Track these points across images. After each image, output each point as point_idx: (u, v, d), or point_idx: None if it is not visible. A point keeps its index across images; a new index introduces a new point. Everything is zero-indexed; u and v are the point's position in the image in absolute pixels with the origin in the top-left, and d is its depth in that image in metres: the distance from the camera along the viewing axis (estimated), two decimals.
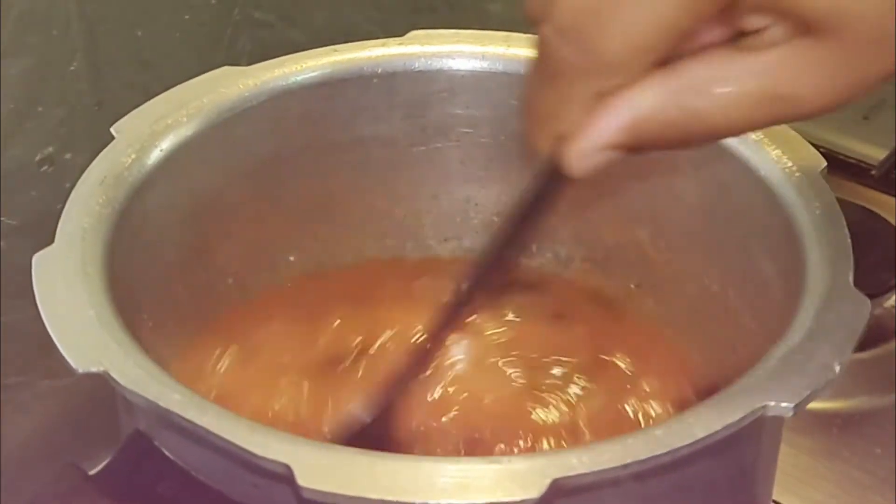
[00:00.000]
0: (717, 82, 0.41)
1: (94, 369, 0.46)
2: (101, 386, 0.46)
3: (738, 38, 0.41)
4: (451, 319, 0.55)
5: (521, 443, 0.60)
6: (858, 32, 0.39)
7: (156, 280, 0.59)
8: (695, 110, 0.41)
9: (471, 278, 0.53)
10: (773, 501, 0.58)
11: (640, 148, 0.43)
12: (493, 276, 0.53)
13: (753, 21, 0.40)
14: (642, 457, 0.42)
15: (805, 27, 0.40)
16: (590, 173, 0.44)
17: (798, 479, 0.73)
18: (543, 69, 0.42)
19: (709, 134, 0.42)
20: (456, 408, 0.61)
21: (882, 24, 0.39)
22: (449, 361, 0.64)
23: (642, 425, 0.60)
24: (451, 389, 0.62)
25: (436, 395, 0.62)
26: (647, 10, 0.39)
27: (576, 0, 0.40)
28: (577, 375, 0.64)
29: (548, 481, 0.41)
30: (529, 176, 0.48)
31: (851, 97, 0.41)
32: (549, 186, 0.48)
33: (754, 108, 0.41)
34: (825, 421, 0.76)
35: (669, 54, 0.41)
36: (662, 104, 0.41)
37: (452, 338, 0.61)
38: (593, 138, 0.43)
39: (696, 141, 0.43)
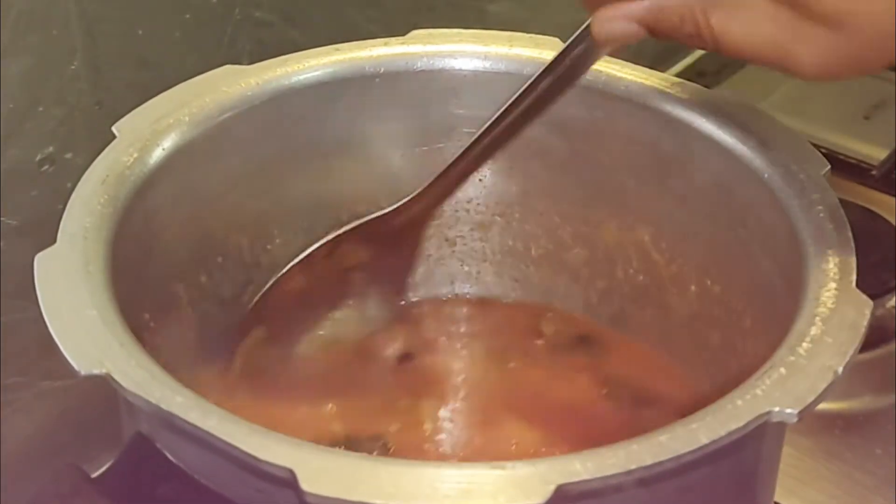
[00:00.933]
0: (738, 9, 0.46)
1: (96, 371, 0.45)
2: (102, 387, 0.46)
3: None
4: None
5: None
6: (860, 33, 0.44)
7: (158, 280, 0.59)
8: (713, 21, 0.47)
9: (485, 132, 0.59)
10: (774, 503, 0.57)
11: (656, 32, 0.49)
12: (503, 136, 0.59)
13: None
14: (647, 463, 0.42)
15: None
16: (609, 38, 0.50)
17: (799, 479, 0.73)
18: None
19: (716, 44, 0.47)
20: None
21: (882, 28, 0.43)
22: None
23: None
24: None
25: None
26: None
27: None
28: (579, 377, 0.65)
29: (552, 487, 0.40)
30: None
31: (846, 76, 0.46)
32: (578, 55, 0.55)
33: (761, 46, 0.46)
34: (826, 422, 0.76)
35: None
36: (685, 3, 0.47)
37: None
38: (619, 7, 0.50)
39: (702, 44, 0.48)
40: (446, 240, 0.71)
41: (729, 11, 0.46)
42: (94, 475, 0.47)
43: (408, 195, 0.63)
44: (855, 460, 0.75)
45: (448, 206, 0.70)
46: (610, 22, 0.50)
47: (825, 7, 0.43)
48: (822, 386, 0.45)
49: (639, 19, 0.49)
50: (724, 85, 1.08)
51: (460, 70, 0.65)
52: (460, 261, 0.72)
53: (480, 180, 0.69)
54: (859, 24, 0.43)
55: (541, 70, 0.56)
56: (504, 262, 0.72)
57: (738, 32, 0.46)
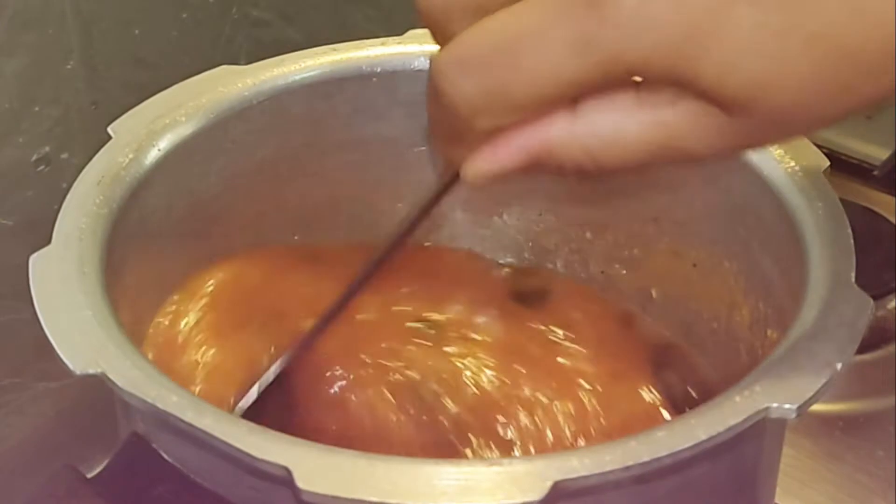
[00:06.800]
0: (618, 130, 0.41)
1: (91, 371, 0.45)
2: (97, 388, 0.46)
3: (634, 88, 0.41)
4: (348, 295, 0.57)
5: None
6: (767, 115, 0.39)
7: (153, 281, 0.59)
8: (594, 151, 0.42)
9: (371, 262, 0.56)
10: None
11: (533, 171, 0.44)
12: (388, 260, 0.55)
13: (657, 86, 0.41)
14: (644, 459, 0.41)
15: (713, 102, 0.40)
16: (484, 186, 0.45)
17: (800, 481, 0.73)
18: (439, 96, 0.43)
19: (604, 170, 0.43)
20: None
21: (793, 108, 0.39)
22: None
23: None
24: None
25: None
26: (547, 67, 0.40)
27: (481, 38, 0.41)
28: (581, 377, 0.64)
29: (549, 484, 0.40)
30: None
31: (743, 151, 0.43)
32: (448, 184, 0.50)
33: (649, 154, 0.41)
34: (827, 423, 0.76)
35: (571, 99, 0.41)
36: (562, 143, 0.42)
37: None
38: (491, 163, 0.43)
39: (590, 174, 0.43)
40: (445, 239, 0.71)
41: (606, 134, 0.42)
42: (90, 475, 0.47)
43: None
44: (856, 462, 0.74)
45: (447, 206, 0.70)
46: (484, 178, 0.44)
47: (727, 93, 0.39)
48: (821, 382, 0.45)
49: (513, 171, 0.44)
50: None
51: None
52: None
53: None
54: (760, 108, 0.39)
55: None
56: (503, 262, 0.72)
57: (619, 151, 0.42)
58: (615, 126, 0.41)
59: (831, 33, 0.38)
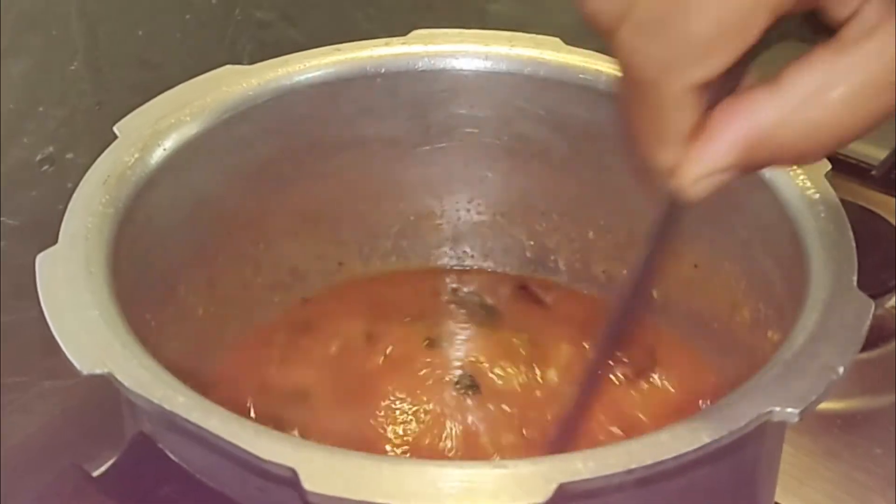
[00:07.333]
0: (829, 86, 0.39)
1: (98, 371, 0.45)
2: (103, 386, 0.46)
3: (831, 40, 0.39)
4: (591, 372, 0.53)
5: None
6: None
7: (159, 280, 0.59)
8: (813, 120, 0.39)
9: (605, 331, 0.51)
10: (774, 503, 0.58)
11: (752, 167, 0.41)
12: (625, 325, 0.51)
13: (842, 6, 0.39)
14: (648, 462, 0.42)
15: None
16: (705, 196, 0.42)
17: (798, 479, 0.73)
18: (631, 83, 0.41)
19: (831, 142, 0.40)
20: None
21: None
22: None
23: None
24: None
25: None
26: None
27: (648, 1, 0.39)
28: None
29: (553, 486, 0.40)
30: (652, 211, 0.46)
31: None
32: (669, 216, 0.46)
33: (874, 99, 0.39)
34: (825, 421, 0.76)
35: (758, 40, 0.39)
36: (774, 121, 0.40)
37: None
38: (705, 162, 0.41)
39: (813, 154, 0.40)
40: (447, 238, 0.72)
41: (819, 95, 0.39)
42: (96, 474, 0.47)
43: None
44: (854, 460, 0.75)
45: (450, 205, 0.70)
46: (703, 183, 0.41)
47: None
48: (823, 386, 0.45)
49: (731, 166, 0.41)
50: None
51: (461, 70, 0.65)
52: (460, 259, 0.72)
53: (483, 181, 0.69)
54: None
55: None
56: (505, 261, 0.72)
57: (840, 109, 0.39)
58: (826, 81, 0.39)
59: None
